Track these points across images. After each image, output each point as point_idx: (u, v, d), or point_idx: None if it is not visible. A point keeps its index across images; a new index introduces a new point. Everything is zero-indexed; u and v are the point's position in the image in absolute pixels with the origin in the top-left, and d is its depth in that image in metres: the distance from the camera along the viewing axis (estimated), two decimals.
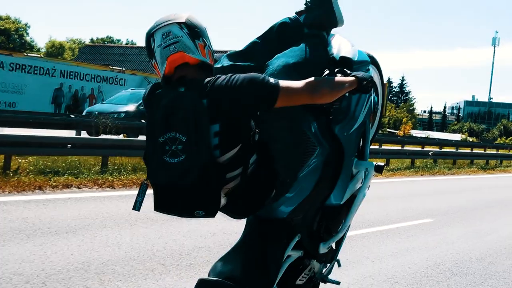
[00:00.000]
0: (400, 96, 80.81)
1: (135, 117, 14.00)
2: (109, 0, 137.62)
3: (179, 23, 1.97)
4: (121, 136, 11.74)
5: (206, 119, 1.85)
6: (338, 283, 2.71)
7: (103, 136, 11.01)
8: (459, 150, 23.29)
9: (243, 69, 2.14)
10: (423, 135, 40.18)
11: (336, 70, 2.21)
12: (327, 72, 2.19)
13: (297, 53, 2.28)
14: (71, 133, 11.75)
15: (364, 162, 2.51)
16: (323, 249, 2.45)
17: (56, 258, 4.43)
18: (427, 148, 20.49)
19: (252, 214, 2.17)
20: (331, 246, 2.56)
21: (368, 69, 2.50)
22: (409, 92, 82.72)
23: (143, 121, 12.40)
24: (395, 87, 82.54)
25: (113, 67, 29.44)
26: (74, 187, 8.12)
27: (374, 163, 2.50)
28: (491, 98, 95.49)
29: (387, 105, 61.34)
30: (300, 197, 2.22)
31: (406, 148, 20.33)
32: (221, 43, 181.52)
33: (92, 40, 71.10)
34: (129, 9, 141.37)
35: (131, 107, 15.58)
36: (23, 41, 62.24)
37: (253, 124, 2.00)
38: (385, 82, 3.12)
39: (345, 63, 2.30)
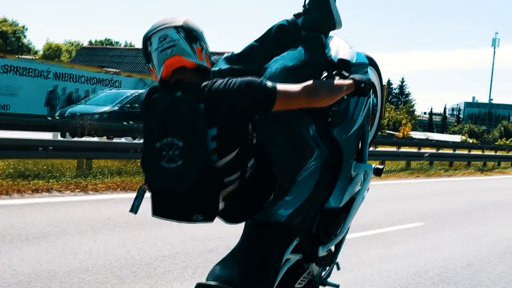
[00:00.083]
0: (400, 97, 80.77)
1: (117, 118, 13.65)
2: (109, 1, 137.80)
3: (176, 27, 1.98)
4: (109, 138, 11.49)
5: (204, 123, 1.86)
6: (337, 286, 2.70)
7: (85, 139, 10.81)
8: (456, 152, 23.06)
9: (241, 72, 2.15)
10: (423, 137, 40.06)
11: (334, 72, 2.21)
12: (325, 74, 2.20)
13: (295, 56, 2.28)
14: (56, 135, 11.58)
15: (363, 164, 2.52)
16: (322, 252, 2.46)
17: (20, 266, 4.26)
18: (423, 150, 20.27)
19: (250, 218, 2.19)
20: (330, 249, 2.57)
21: (366, 71, 2.50)
22: (409, 93, 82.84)
23: (131, 122, 12.18)
24: (395, 89, 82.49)
25: (108, 69, 29.29)
26: (55, 190, 7.94)
27: (373, 165, 2.50)
28: (492, 99, 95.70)
29: (386, 106, 61.20)
30: (298, 200, 2.22)
31: (402, 149, 20.11)
32: (221, 43, 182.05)
33: (90, 42, 71.08)
34: (129, 9, 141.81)
35: (113, 108, 15.12)
36: (20, 43, 62.25)
37: (250, 128, 2.01)
38: (384, 83, 3.12)
39: (343, 66, 2.30)
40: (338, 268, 2.81)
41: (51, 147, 8.66)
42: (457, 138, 50.65)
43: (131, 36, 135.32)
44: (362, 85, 2.15)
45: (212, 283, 2.06)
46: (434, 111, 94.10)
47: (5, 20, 60.87)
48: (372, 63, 2.68)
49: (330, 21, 2.40)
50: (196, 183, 1.84)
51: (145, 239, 5.46)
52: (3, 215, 6.01)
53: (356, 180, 2.50)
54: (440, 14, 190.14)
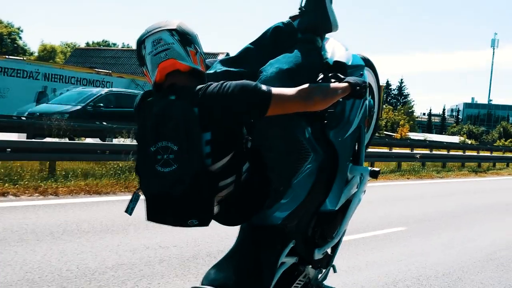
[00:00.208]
0: (399, 98, 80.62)
1: (82, 118, 12.97)
2: (109, 1, 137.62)
3: (170, 30, 1.98)
4: (71, 138, 10.97)
5: (198, 127, 1.86)
6: None
7: (48, 139, 10.31)
8: (450, 153, 22.61)
9: (236, 75, 2.16)
10: (421, 138, 39.84)
11: (329, 75, 2.23)
12: (321, 76, 2.22)
13: (291, 59, 2.28)
14: (21, 136, 11.06)
15: (359, 167, 2.53)
16: (318, 255, 2.46)
17: None
18: (416, 151, 19.82)
19: (245, 222, 2.20)
20: (326, 251, 2.58)
21: (362, 74, 2.50)
22: (408, 94, 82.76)
23: (104, 123, 11.72)
24: (393, 90, 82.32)
25: (99, 70, 28.89)
26: (11, 195, 7.56)
27: (369, 168, 2.52)
28: (491, 100, 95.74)
29: (384, 107, 61.01)
30: (294, 203, 2.23)
31: (394, 150, 19.67)
32: (221, 43, 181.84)
33: (87, 44, 70.73)
34: (129, 9, 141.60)
35: (76, 107, 14.37)
36: (15, 45, 62.02)
37: (245, 131, 2.02)
38: (381, 84, 3.11)
39: (339, 68, 2.31)
40: (335, 271, 2.82)
41: (9, 149, 8.22)
42: (456, 139, 50.34)
43: (130, 37, 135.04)
44: (358, 87, 2.16)
45: (207, 287, 2.06)
46: (433, 112, 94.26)
47: (0, 22, 60.55)
48: (368, 64, 2.68)
49: (326, 23, 2.40)
50: (190, 188, 1.85)
51: (105, 246, 5.15)
52: None
53: (352, 183, 2.51)
54: (439, 15, 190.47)
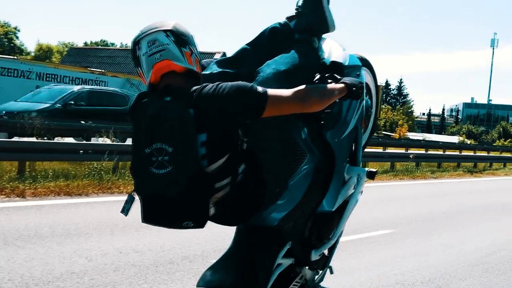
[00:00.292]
0: (398, 98, 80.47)
1: (53, 117, 12.30)
2: (109, 1, 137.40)
3: (165, 31, 1.97)
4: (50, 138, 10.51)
5: (193, 129, 1.86)
6: None
7: (16, 139, 9.99)
8: (446, 153, 22.30)
9: (233, 76, 2.15)
10: (420, 138, 39.68)
11: (326, 75, 2.23)
12: (318, 76, 2.22)
13: (288, 60, 2.27)
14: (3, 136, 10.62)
15: (356, 168, 2.53)
16: (315, 256, 2.46)
17: None
18: (411, 151, 19.53)
19: (241, 223, 2.20)
20: (323, 253, 2.57)
21: (359, 74, 2.49)
22: (407, 94, 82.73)
23: (90, 122, 11.41)
24: (393, 90, 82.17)
25: (93, 69, 28.63)
26: None
27: (366, 169, 2.52)
28: (490, 100, 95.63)
29: (383, 107, 60.82)
30: (290, 204, 2.22)
31: (388, 150, 19.37)
32: (221, 43, 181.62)
33: (86, 44, 70.50)
34: (129, 9, 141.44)
35: (54, 105, 13.75)
36: (12, 44, 61.86)
37: (241, 133, 2.02)
38: (380, 84, 2.84)
39: (336, 68, 2.31)
40: (331, 272, 2.81)
41: None
42: (455, 139, 50.16)
43: (129, 37, 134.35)
44: (354, 88, 2.16)
45: None
46: (433, 112, 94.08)
47: None
48: (366, 64, 2.68)
49: (323, 24, 2.39)
50: (186, 189, 1.84)
51: (61, 252, 4.86)
52: None
53: (349, 184, 2.51)
54: (439, 15, 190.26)
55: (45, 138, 9.84)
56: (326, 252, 2.62)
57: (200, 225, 1.92)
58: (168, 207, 1.89)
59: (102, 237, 5.49)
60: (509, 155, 31.45)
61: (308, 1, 2.39)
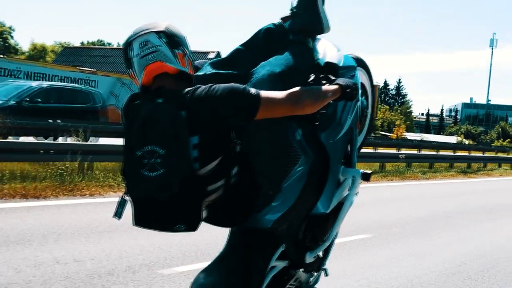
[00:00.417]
0: (396, 98, 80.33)
1: (18, 114, 11.53)
2: (107, 0, 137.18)
3: (157, 32, 1.96)
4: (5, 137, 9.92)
5: (185, 131, 1.85)
6: None
7: None
8: (439, 153, 21.82)
9: (226, 78, 2.12)
10: (418, 138, 39.33)
11: (320, 76, 2.22)
12: (312, 77, 2.21)
13: (282, 61, 2.25)
14: None
15: (350, 169, 2.53)
16: (309, 259, 2.45)
17: None
18: (403, 151, 19.08)
19: (234, 226, 2.19)
20: (318, 255, 2.57)
21: (354, 75, 2.48)
22: (406, 94, 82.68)
23: (59, 120, 10.87)
24: (391, 90, 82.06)
25: (83, 68, 28.24)
26: None
27: (361, 170, 2.53)
28: (490, 100, 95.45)
29: (381, 107, 60.54)
30: (284, 206, 2.21)
31: (378, 150, 18.91)
32: (221, 43, 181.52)
33: (82, 43, 70.19)
34: (128, 9, 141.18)
35: (8, 102, 12.83)
36: (7, 44, 61.65)
37: (234, 135, 2.01)
38: (376, 84, 2.49)
39: (330, 69, 2.30)
40: (326, 274, 2.81)
41: None
42: (453, 139, 49.85)
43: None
44: (348, 90, 2.16)
45: None
46: (432, 112, 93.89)
47: None
48: (361, 64, 2.68)
49: (318, 25, 2.38)
50: (178, 192, 1.83)
51: (9, 259, 4.51)
52: None
53: (344, 185, 2.51)
54: (439, 15, 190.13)
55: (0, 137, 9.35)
56: (320, 254, 2.62)
57: (193, 228, 1.92)
58: (160, 210, 1.89)
59: (44, 244, 5.00)
60: (505, 155, 31.00)
61: (303, 2, 2.37)
